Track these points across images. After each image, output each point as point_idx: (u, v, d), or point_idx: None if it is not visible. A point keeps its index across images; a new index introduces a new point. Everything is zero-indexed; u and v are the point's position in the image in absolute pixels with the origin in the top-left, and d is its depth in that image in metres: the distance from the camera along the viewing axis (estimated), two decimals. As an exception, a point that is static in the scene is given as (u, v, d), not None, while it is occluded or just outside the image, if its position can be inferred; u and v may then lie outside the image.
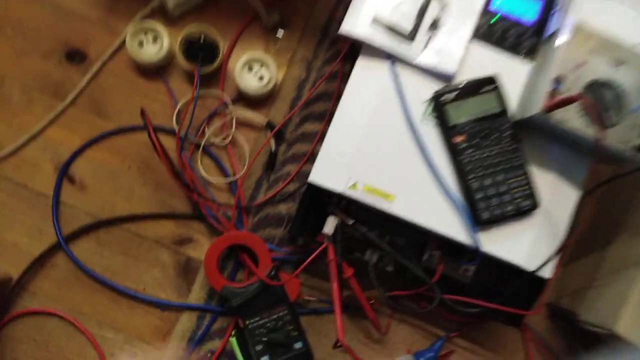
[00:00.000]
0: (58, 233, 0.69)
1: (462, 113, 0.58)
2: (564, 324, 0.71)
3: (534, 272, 0.58)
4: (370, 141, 0.59)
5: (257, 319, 0.65)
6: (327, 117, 0.72)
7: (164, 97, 0.72)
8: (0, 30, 0.73)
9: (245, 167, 0.70)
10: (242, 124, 0.73)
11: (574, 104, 0.52)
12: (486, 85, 0.58)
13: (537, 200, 0.58)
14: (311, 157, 0.72)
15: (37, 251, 0.69)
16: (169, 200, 0.71)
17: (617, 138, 0.53)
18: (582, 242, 0.69)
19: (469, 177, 0.57)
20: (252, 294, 0.65)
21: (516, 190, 0.57)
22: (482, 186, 0.57)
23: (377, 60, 0.60)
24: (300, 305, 0.69)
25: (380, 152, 0.59)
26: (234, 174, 0.71)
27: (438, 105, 0.58)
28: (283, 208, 0.71)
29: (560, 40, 0.54)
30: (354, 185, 0.58)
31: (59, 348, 0.68)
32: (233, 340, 0.65)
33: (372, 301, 0.66)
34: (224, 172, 0.71)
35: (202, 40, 0.70)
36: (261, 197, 0.71)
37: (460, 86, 0.58)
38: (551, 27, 0.59)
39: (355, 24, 0.60)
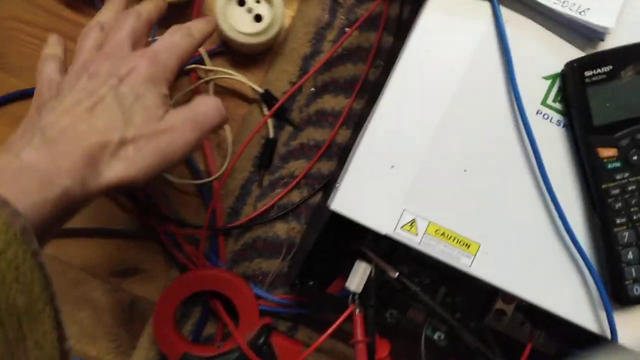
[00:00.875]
0: None
1: (618, 106, 0.32)
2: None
3: None
4: (444, 146, 0.33)
5: (233, 408, 0.41)
6: (357, 88, 0.46)
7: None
8: None
9: (227, 161, 0.44)
10: (225, 91, 0.46)
11: None
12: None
13: None
14: (330, 152, 0.46)
15: None
16: (107, 210, 0.45)
17: None
18: None
19: (617, 223, 0.32)
20: (227, 368, 0.41)
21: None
22: (638, 241, 0.32)
23: (464, -1, 0.33)
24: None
25: (460, 167, 0.33)
26: (208, 172, 0.45)
27: (574, 86, 0.32)
28: (281, 229, 0.45)
29: None
30: (410, 224, 0.33)
31: None
32: None
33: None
34: (191, 169, 0.45)
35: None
36: (249, 212, 0.45)
37: (620, 56, 0.32)
38: None
39: None
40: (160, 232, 0.44)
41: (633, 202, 0.32)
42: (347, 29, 0.46)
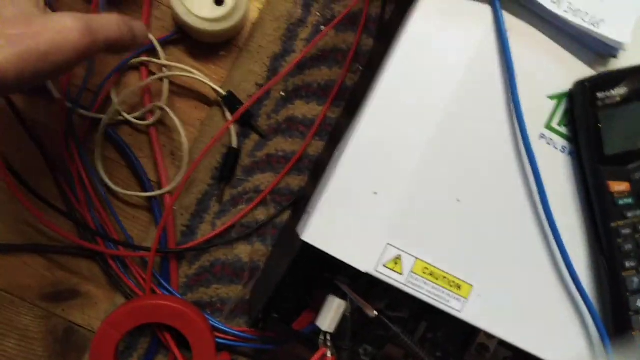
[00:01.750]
0: None
1: (633, 133, 0.28)
2: None
3: None
4: (434, 171, 0.29)
5: None
6: (333, 95, 0.41)
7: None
8: None
9: (182, 172, 0.39)
10: (182, 91, 0.40)
11: None
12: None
13: None
14: (300, 165, 0.41)
15: None
16: (39, 222, 0.39)
17: None
18: None
19: (626, 267, 0.28)
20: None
21: None
22: (648, 285, 0.28)
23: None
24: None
25: (452, 196, 0.29)
26: (159, 184, 0.39)
27: (584, 109, 0.28)
28: (244, 251, 0.40)
29: None
30: (394, 261, 0.28)
31: None
32: None
33: None
34: (140, 179, 0.40)
35: None
36: (206, 230, 0.40)
37: (638, 76, 0.28)
38: None
39: None
40: (103, 250, 0.38)
41: (643, 243, 0.28)
42: (322, 27, 0.41)
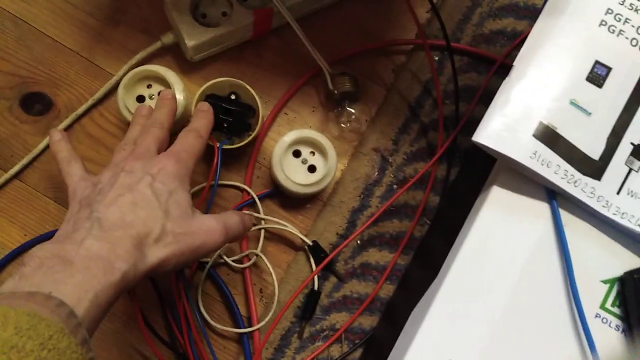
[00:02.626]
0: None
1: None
2: None
3: None
4: (502, 345, 0.33)
5: None
6: (403, 244, 0.47)
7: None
8: None
9: (271, 312, 0.44)
10: (273, 237, 0.47)
11: None
12: None
13: None
14: (372, 307, 0.46)
15: None
16: (146, 351, 0.45)
17: None
18: None
19: None
20: None
21: None
22: None
23: (525, 194, 0.35)
24: None
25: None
26: (249, 318, 0.45)
27: (635, 297, 0.33)
28: (320, 386, 0.45)
29: None
30: None
31: None
32: None
33: None
34: (233, 313, 0.45)
35: (232, 101, 0.45)
36: (287, 364, 0.45)
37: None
38: None
39: (501, 135, 0.34)
40: (196, 379, 0.43)
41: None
42: (395, 187, 0.48)
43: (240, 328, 0.44)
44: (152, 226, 0.33)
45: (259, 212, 0.46)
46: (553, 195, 0.34)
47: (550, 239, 0.34)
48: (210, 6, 0.49)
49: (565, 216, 0.34)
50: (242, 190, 0.47)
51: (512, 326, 0.33)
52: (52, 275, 0.28)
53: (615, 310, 0.34)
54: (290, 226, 0.46)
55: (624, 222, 0.33)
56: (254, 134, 0.45)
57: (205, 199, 0.44)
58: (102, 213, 0.32)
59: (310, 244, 0.46)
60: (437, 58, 0.51)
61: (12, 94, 0.47)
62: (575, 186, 0.33)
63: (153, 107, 0.41)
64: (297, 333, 0.45)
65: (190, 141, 0.38)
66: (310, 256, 0.46)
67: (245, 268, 0.46)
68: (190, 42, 0.46)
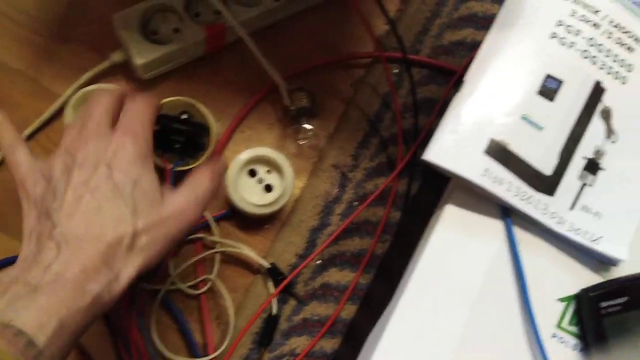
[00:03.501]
0: None
1: (637, 336, 0.31)
2: None
3: None
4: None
5: None
6: (364, 263, 0.46)
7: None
8: None
9: (228, 337, 0.43)
10: (230, 260, 0.45)
11: None
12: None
13: None
14: (334, 329, 0.45)
15: None
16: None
17: None
18: None
19: None
20: None
21: None
22: None
23: (479, 212, 0.34)
24: None
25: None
26: (205, 345, 0.43)
27: (591, 316, 0.32)
28: (280, 414, 0.43)
29: None
30: None
31: None
32: None
33: None
34: (189, 343, 0.44)
35: (183, 121, 0.44)
36: (246, 392, 0.43)
37: (636, 286, 0.32)
38: None
39: (452, 153, 0.33)
40: (150, 412, 0.41)
41: None
42: (355, 203, 0.47)
43: (196, 357, 0.43)
44: (121, 232, 0.29)
45: (214, 235, 0.44)
46: (507, 212, 0.33)
47: (505, 257, 0.33)
48: (162, 22, 0.47)
49: (520, 234, 0.33)
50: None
51: (469, 346, 0.32)
52: (16, 302, 0.27)
53: (572, 329, 0.33)
54: (247, 249, 0.44)
55: (578, 238, 0.32)
56: (206, 154, 0.43)
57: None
58: (65, 227, 0.29)
59: (268, 266, 0.44)
60: (396, 71, 0.50)
61: (-48, 117, 0.45)
62: (528, 203, 0.32)
63: None
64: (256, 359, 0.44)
65: (140, 107, 0.33)
66: (269, 279, 0.45)
67: (200, 294, 0.44)
68: (139, 60, 0.44)
